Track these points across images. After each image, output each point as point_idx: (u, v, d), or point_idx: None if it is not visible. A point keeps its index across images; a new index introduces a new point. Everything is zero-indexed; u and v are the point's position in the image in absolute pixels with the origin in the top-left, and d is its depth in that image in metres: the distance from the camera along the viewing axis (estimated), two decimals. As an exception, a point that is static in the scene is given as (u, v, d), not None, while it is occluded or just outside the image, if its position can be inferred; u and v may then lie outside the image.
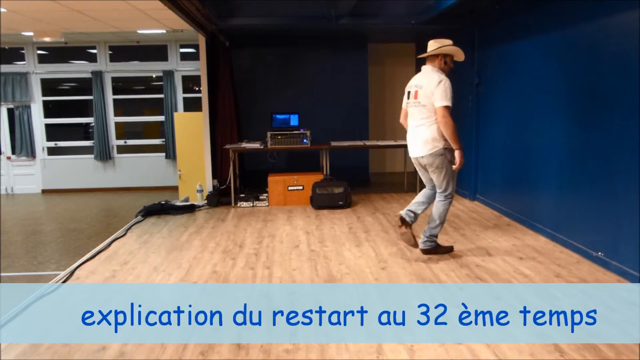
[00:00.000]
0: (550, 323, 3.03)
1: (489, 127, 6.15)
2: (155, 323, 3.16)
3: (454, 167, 4.12)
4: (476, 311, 3.22)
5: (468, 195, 6.71)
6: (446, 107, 3.97)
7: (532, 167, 5.09)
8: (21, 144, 10.64)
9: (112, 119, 10.74)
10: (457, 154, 4.06)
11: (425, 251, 4.39)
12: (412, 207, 4.32)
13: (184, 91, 10.68)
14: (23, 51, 10.45)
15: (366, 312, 3.25)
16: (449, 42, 4.17)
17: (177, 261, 4.42)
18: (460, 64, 6.76)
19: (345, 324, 3.08)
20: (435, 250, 4.41)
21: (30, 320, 3.26)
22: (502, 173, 5.84)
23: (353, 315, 3.21)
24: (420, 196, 4.38)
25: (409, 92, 4.26)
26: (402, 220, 4.29)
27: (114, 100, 10.72)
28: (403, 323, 3.08)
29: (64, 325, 3.16)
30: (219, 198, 6.79)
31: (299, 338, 2.92)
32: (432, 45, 4.16)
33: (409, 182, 7.35)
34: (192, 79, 10.68)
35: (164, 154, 10.80)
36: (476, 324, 3.05)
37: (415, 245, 4.31)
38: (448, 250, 4.45)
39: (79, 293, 3.72)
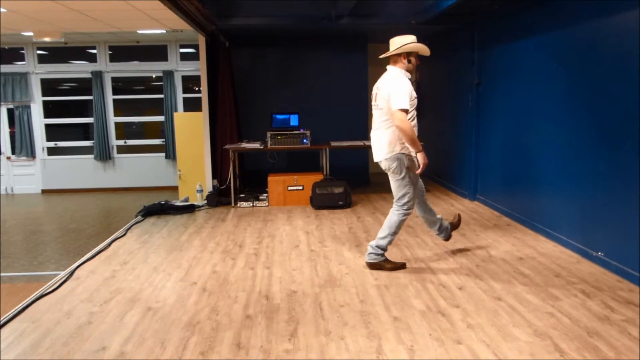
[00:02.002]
0: (551, 324, 3.03)
1: (489, 127, 6.15)
2: (155, 323, 3.16)
3: (417, 170, 3.87)
4: (476, 311, 3.22)
5: (468, 195, 6.71)
6: (402, 110, 3.69)
7: (532, 167, 5.09)
8: (21, 144, 10.63)
9: (112, 119, 10.73)
10: (419, 156, 3.78)
11: (370, 265, 4.06)
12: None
13: (184, 91, 10.68)
14: (23, 51, 10.45)
15: (366, 312, 3.25)
16: (411, 38, 3.89)
17: (177, 261, 4.42)
18: (460, 64, 6.82)
19: (345, 324, 3.08)
20: (382, 265, 4.04)
21: (30, 320, 3.26)
22: (502, 173, 5.84)
23: (353, 315, 3.21)
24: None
25: (373, 95, 4.05)
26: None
27: (114, 100, 10.72)
28: (403, 323, 3.08)
29: (64, 325, 3.16)
30: (219, 198, 6.79)
31: (299, 338, 2.92)
32: (394, 44, 3.90)
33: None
34: (192, 79, 10.68)
35: (164, 154, 10.80)
36: (476, 324, 3.05)
37: (404, 265, 4.11)
38: (399, 267, 4.06)
39: (79, 293, 3.72)
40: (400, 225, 4.02)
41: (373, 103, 4.04)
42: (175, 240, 5.13)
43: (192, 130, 7.87)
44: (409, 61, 3.92)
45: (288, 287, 3.74)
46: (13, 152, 10.78)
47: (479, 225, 5.37)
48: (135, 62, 10.69)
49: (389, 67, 3.99)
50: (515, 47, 5.44)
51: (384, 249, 4.05)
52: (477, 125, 6.42)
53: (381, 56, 4.10)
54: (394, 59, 3.96)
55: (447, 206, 6.35)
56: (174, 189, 9.15)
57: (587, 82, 4.18)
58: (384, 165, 3.99)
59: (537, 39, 4.96)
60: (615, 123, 3.82)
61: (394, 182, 3.99)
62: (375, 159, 4.06)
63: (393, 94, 3.75)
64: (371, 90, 4.18)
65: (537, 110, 4.99)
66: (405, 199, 3.97)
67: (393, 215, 4.02)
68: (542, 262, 4.15)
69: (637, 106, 3.53)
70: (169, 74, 10.45)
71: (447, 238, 4.39)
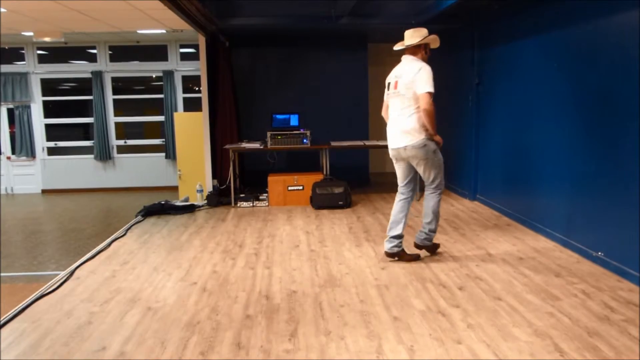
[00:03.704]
0: (551, 324, 3.03)
1: (489, 127, 6.15)
2: (155, 323, 3.16)
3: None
4: (476, 311, 3.22)
5: (468, 195, 6.71)
6: (429, 93, 3.87)
7: (532, 167, 5.09)
8: (21, 144, 10.64)
9: (112, 119, 10.74)
10: (437, 138, 4.03)
11: (419, 247, 4.30)
12: (393, 233, 4.16)
13: (184, 91, 10.68)
14: (23, 51, 10.45)
15: (366, 312, 3.25)
16: (425, 30, 4.10)
17: (177, 261, 4.42)
18: (460, 64, 6.82)
19: (345, 324, 3.08)
20: (432, 248, 4.35)
21: (30, 320, 3.26)
22: (502, 173, 5.84)
23: (353, 315, 3.21)
24: (395, 214, 4.21)
25: (389, 84, 4.17)
26: (390, 255, 4.19)
27: (114, 100, 10.72)
28: (403, 323, 3.08)
29: (64, 325, 3.16)
30: (219, 198, 6.79)
31: (299, 338, 2.92)
32: (413, 36, 4.07)
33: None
34: (192, 79, 10.68)
35: (164, 154, 10.80)
36: (476, 324, 3.05)
37: (418, 257, 4.25)
38: (436, 249, 4.40)
39: (79, 293, 3.72)
40: (439, 206, 4.22)
41: (392, 91, 4.10)
42: (175, 240, 5.13)
43: (192, 130, 7.87)
44: (426, 52, 4.13)
45: (288, 287, 3.74)
46: (13, 152, 10.79)
47: (479, 225, 5.37)
48: (135, 62, 10.70)
49: (409, 57, 4.11)
50: (515, 47, 5.44)
51: (434, 231, 4.26)
52: (477, 125, 6.42)
53: (401, 47, 4.14)
54: (413, 50, 4.10)
55: (447, 206, 6.35)
56: (174, 189, 9.15)
57: (587, 82, 4.18)
58: (408, 153, 4.05)
59: (537, 39, 4.96)
60: (615, 123, 3.82)
61: (422, 168, 4.10)
62: (396, 145, 4.11)
63: (420, 79, 3.91)
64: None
65: (537, 110, 4.99)
66: (438, 181, 4.15)
67: (430, 200, 4.18)
68: (542, 262, 4.15)
69: (637, 106, 3.53)
70: (169, 74, 10.45)
71: (392, 252, 4.20)
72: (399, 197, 4.25)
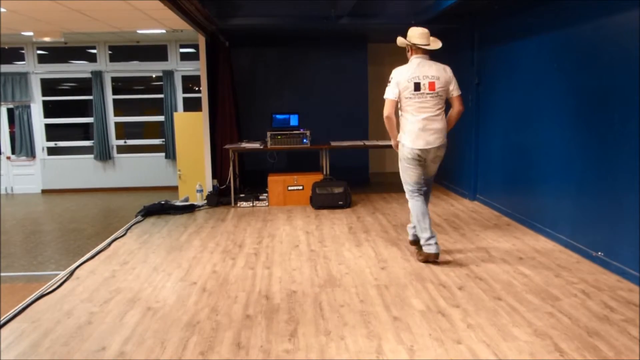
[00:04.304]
0: (551, 323, 3.03)
1: (489, 127, 6.15)
2: (155, 323, 3.16)
3: None
4: (476, 311, 3.22)
5: (468, 195, 6.71)
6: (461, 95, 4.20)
7: (532, 167, 5.10)
8: (21, 144, 10.64)
9: (112, 119, 10.74)
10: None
11: (415, 242, 4.42)
12: (432, 234, 4.13)
13: (184, 91, 10.69)
14: (23, 51, 10.45)
15: (366, 312, 3.25)
16: None
17: (177, 261, 4.42)
18: (460, 64, 6.81)
19: (345, 324, 3.08)
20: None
21: (30, 320, 3.26)
22: (502, 173, 5.84)
23: (353, 315, 3.21)
24: (424, 212, 4.16)
25: (417, 84, 4.03)
26: (437, 256, 4.10)
27: (114, 100, 10.72)
28: (403, 323, 3.08)
29: (64, 325, 3.16)
30: (218, 198, 6.79)
31: (299, 338, 2.92)
32: (429, 38, 4.17)
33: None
34: (192, 79, 10.68)
35: (163, 154, 10.80)
36: (476, 324, 3.05)
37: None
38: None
39: (79, 293, 3.72)
40: None
41: (426, 92, 4.07)
42: (175, 240, 5.13)
43: (192, 130, 7.87)
44: None
45: (288, 287, 3.74)
46: (13, 152, 10.79)
47: (479, 225, 5.37)
48: (135, 62, 10.70)
49: (426, 57, 4.18)
50: (515, 47, 5.44)
51: None
52: (477, 125, 6.41)
53: (435, 48, 4.17)
54: (428, 52, 4.20)
55: (447, 206, 6.35)
56: (174, 189, 9.16)
57: (587, 82, 4.18)
58: (438, 152, 4.18)
59: (537, 39, 4.96)
60: (615, 123, 3.82)
61: (436, 165, 4.28)
62: (433, 145, 4.13)
63: (455, 82, 4.19)
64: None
65: (537, 110, 4.99)
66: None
67: (425, 202, 4.30)
68: (542, 262, 4.15)
69: (637, 106, 3.53)
70: (169, 74, 10.46)
71: (439, 252, 4.18)
72: (419, 194, 4.26)
